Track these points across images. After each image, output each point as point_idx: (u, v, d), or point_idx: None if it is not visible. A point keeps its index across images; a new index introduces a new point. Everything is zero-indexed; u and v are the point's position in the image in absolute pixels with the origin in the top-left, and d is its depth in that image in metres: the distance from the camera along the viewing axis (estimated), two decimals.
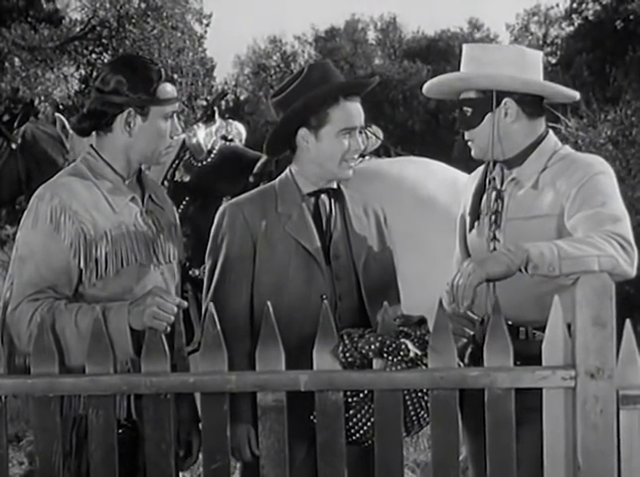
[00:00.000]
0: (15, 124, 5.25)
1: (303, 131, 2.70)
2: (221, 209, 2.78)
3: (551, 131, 2.73)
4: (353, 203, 2.80)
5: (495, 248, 2.63)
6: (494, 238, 2.67)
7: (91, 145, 2.60)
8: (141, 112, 2.53)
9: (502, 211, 2.67)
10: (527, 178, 2.65)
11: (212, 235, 2.76)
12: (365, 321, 2.65)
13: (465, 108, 2.68)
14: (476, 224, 2.74)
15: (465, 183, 2.94)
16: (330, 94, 2.67)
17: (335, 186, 2.78)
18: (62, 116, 5.36)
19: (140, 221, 2.57)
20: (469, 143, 2.72)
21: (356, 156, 2.74)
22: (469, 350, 2.72)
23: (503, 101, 2.64)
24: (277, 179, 2.82)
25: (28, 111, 5.38)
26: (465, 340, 2.76)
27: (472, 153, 2.73)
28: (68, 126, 5.10)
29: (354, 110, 2.70)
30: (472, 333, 2.77)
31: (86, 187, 2.52)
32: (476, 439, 2.53)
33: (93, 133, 2.59)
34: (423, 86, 2.81)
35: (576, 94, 2.74)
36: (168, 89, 2.56)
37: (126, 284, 2.50)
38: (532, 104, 2.66)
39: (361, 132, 2.77)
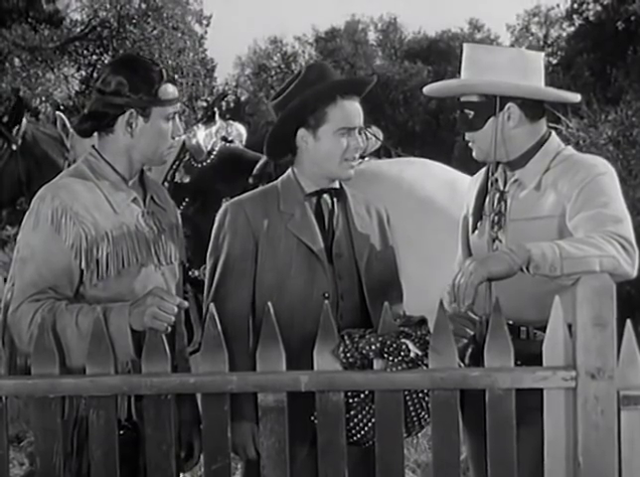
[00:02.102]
0: (10, 123, 5.20)
1: (302, 132, 2.70)
2: (222, 208, 2.77)
3: (553, 132, 2.72)
4: (355, 202, 2.80)
5: (497, 249, 2.63)
6: (496, 238, 2.67)
7: (93, 146, 2.60)
8: (143, 113, 2.52)
9: (504, 212, 2.67)
10: (529, 179, 2.64)
11: (213, 234, 2.76)
12: (367, 320, 2.65)
13: (467, 111, 2.67)
14: (479, 225, 2.74)
15: (468, 184, 2.94)
16: (327, 92, 2.66)
17: (337, 185, 2.78)
18: (62, 115, 5.33)
19: (142, 221, 2.57)
20: (470, 144, 2.72)
21: (356, 155, 2.73)
22: (469, 350, 2.72)
23: (506, 106, 2.63)
24: (280, 179, 2.82)
25: (20, 108, 5.32)
26: (465, 340, 2.76)
27: (474, 154, 2.72)
28: (68, 125, 5.08)
29: (352, 109, 2.70)
30: (473, 333, 2.77)
31: (88, 188, 2.52)
32: (477, 440, 2.53)
33: (95, 134, 2.59)
34: (424, 88, 2.82)
35: (577, 97, 2.74)
36: (169, 90, 2.56)
37: (127, 285, 2.50)
38: (534, 108, 2.66)
39: (360, 132, 2.76)
